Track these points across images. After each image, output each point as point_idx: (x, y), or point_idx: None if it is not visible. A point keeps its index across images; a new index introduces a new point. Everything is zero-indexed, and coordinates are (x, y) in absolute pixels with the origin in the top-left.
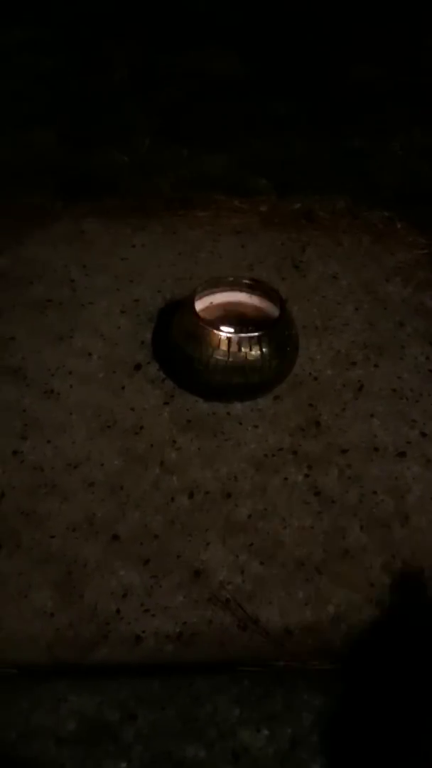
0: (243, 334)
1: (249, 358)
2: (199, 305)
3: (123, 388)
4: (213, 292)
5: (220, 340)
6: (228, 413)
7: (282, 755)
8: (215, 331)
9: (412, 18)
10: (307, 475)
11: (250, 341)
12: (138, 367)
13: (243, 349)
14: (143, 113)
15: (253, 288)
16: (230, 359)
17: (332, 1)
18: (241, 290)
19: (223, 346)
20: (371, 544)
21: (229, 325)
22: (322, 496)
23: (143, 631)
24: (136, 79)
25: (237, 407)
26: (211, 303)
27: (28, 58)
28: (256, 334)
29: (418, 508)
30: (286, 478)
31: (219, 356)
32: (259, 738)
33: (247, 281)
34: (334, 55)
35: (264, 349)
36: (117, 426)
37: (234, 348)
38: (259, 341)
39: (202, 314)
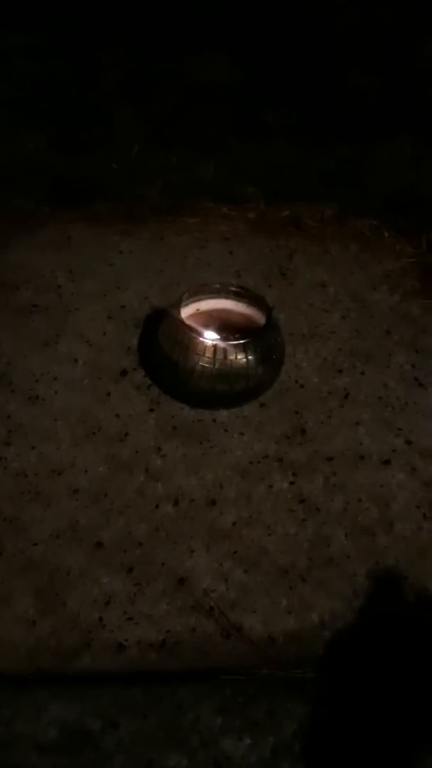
0: (229, 342)
1: (235, 365)
2: (186, 312)
3: (108, 394)
4: (199, 299)
5: (205, 347)
6: (214, 420)
7: (264, 763)
8: (201, 338)
9: (402, 28)
10: (292, 483)
11: (236, 348)
12: (124, 373)
13: (229, 357)
14: (133, 119)
15: (239, 295)
16: (216, 366)
17: (323, 11)
18: (227, 297)
19: (209, 353)
20: (355, 551)
21: (216, 332)
22: (306, 503)
23: (126, 639)
24: (127, 86)
25: (223, 414)
26: (198, 310)
27: (19, 63)
28: (242, 341)
29: (403, 516)
30: (271, 486)
31: (205, 363)
32: (241, 746)
33: (233, 288)
34: (324, 64)
35: (250, 357)
36: (102, 432)
37: (220, 355)
38: (245, 348)
39: (188, 321)
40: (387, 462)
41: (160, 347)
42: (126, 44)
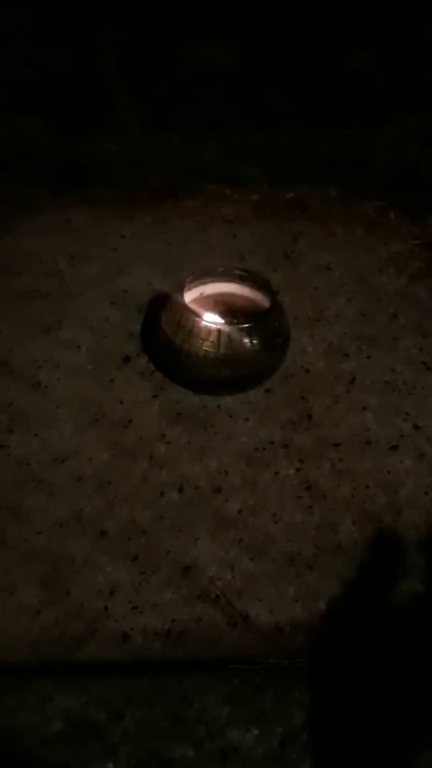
0: (233, 326)
1: (239, 350)
2: (189, 296)
3: (111, 380)
4: (203, 283)
5: (210, 331)
6: (218, 406)
7: (272, 754)
8: (205, 323)
9: (405, 7)
10: (298, 469)
11: (241, 333)
12: (127, 359)
13: (233, 341)
14: (133, 101)
15: (243, 278)
16: (220, 351)
17: None
18: (231, 281)
19: (213, 338)
20: (363, 538)
21: (220, 316)
22: (313, 490)
23: (131, 629)
24: (126, 67)
25: (227, 400)
26: (201, 294)
27: (17, 45)
28: (246, 325)
29: (411, 502)
30: (277, 473)
31: (209, 348)
32: (248, 737)
33: (237, 272)
34: (326, 44)
35: (254, 341)
36: (105, 419)
37: (224, 340)
38: (249, 333)
39: (191, 305)
40: (395, 447)
41: (164, 332)
42: (125, 26)
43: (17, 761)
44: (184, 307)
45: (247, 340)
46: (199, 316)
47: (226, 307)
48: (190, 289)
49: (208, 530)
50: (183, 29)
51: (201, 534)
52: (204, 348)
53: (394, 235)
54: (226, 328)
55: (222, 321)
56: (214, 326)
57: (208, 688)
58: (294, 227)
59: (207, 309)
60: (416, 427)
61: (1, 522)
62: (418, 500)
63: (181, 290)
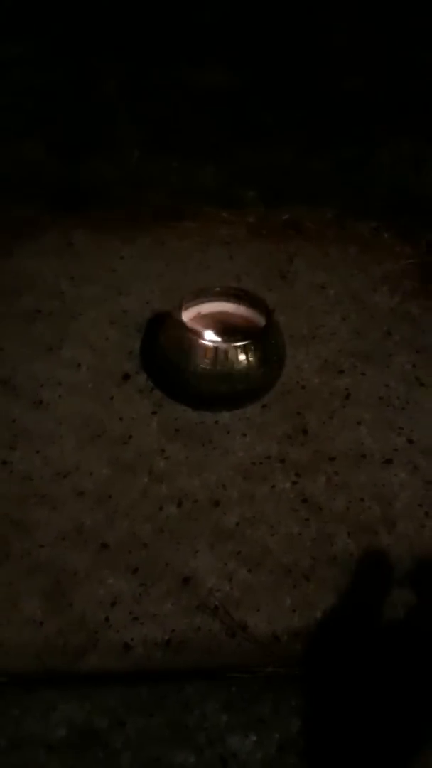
0: (230, 344)
1: (236, 366)
2: (187, 315)
3: (111, 398)
4: (200, 302)
5: (207, 349)
6: (216, 422)
7: (270, 760)
8: (202, 341)
9: (400, 30)
10: (294, 483)
11: (237, 350)
12: (126, 377)
13: (230, 358)
14: (133, 125)
15: (240, 298)
16: (217, 368)
17: (320, 14)
18: (228, 300)
19: (210, 355)
20: (358, 550)
21: (217, 334)
22: (309, 503)
23: (132, 639)
24: (126, 92)
25: (225, 416)
26: (199, 313)
27: (18, 72)
28: (243, 343)
29: (405, 515)
30: (273, 486)
31: (206, 365)
32: (247, 743)
33: (234, 291)
34: (322, 67)
35: (251, 358)
36: (106, 436)
37: (221, 357)
38: (245, 350)
39: (189, 324)
40: (389, 461)
41: (162, 351)
42: (124, 51)
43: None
44: (183, 326)
45: (243, 358)
46: (197, 334)
47: (223, 325)
48: (188, 309)
49: (207, 543)
50: (181, 54)
51: (200, 546)
52: (202, 365)
53: (388, 255)
54: (223, 346)
55: (219, 339)
56: (211, 344)
57: (207, 696)
58: (289, 248)
59: (205, 327)
60: (410, 441)
61: (5, 536)
62: (412, 512)
63: (179, 309)
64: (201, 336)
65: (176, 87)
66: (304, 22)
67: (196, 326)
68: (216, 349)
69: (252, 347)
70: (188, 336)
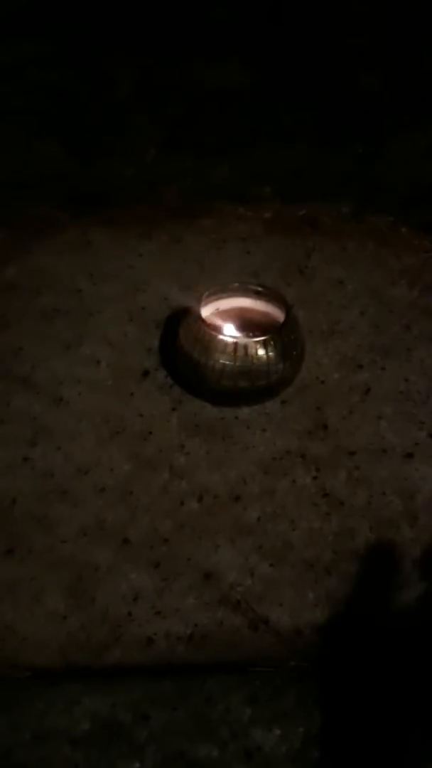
0: (249, 339)
1: (255, 362)
2: (205, 311)
3: (131, 394)
4: (219, 298)
5: (226, 345)
6: (236, 418)
7: (294, 754)
8: (221, 337)
9: (413, 24)
10: (315, 478)
11: (257, 345)
12: (146, 373)
13: (250, 354)
14: (148, 124)
15: (258, 293)
16: (237, 364)
17: (334, 10)
18: (246, 296)
19: (230, 351)
20: (380, 544)
21: (236, 330)
22: (330, 498)
23: (155, 633)
24: (141, 91)
25: (244, 411)
26: (217, 309)
27: (34, 72)
28: (262, 338)
29: (427, 509)
30: (294, 481)
31: (225, 361)
32: (271, 737)
33: (252, 287)
34: (336, 63)
35: (270, 353)
36: (126, 432)
37: (240, 352)
38: (265, 345)
39: (208, 320)
40: (410, 455)
41: (181, 347)
42: (138, 50)
43: (46, 762)
44: (201, 322)
45: (263, 353)
46: (216, 330)
47: (242, 321)
48: (206, 305)
49: (228, 538)
50: (195, 52)
51: (221, 541)
52: (221, 361)
53: (405, 249)
54: (242, 341)
55: (238, 335)
56: (230, 340)
57: (230, 690)
58: (307, 243)
59: (223, 323)
60: (431, 435)
61: (28, 531)
62: None
63: (197, 305)
64: (220, 331)
65: (191, 85)
66: (317, 19)
67: (215, 322)
68: (235, 344)
69: (271, 342)
70: (207, 332)
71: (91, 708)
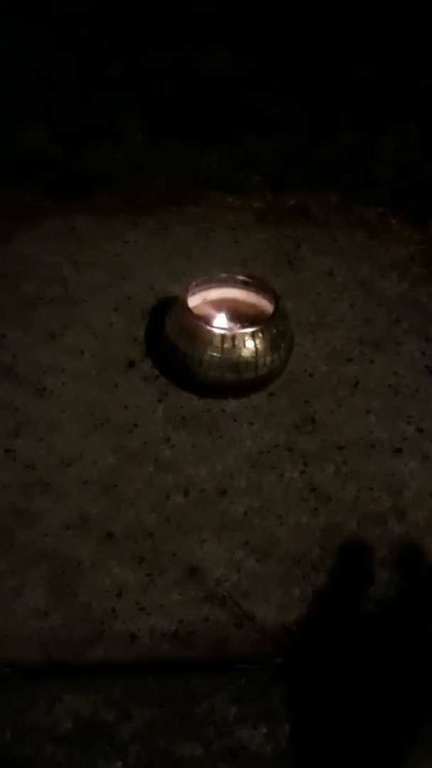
0: (237, 330)
1: (243, 354)
2: (193, 301)
3: (116, 385)
4: (206, 288)
5: (213, 336)
6: (222, 410)
7: (280, 752)
8: (209, 328)
9: (405, 15)
10: (303, 472)
11: (245, 337)
12: (131, 364)
13: (237, 346)
14: (136, 110)
15: (247, 284)
16: (224, 356)
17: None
18: (235, 286)
19: (217, 343)
20: (368, 540)
21: (223, 321)
22: (318, 492)
23: (138, 630)
24: (129, 76)
25: (232, 404)
26: (205, 299)
27: (20, 56)
28: (250, 330)
29: (415, 504)
30: (281, 475)
31: (213, 353)
32: (256, 736)
33: (241, 277)
34: (327, 52)
35: (258, 346)
36: (110, 424)
37: (228, 344)
38: (253, 337)
39: (195, 311)
40: (398, 450)
41: (168, 337)
42: (127, 35)
43: (27, 761)
44: (188, 312)
45: (251, 345)
46: (203, 320)
47: (230, 312)
48: (193, 295)
49: (214, 532)
50: (185, 39)
51: (207, 536)
52: (208, 352)
53: (395, 241)
54: (230, 333)
55: (226, 326)
56: (218, 331)
57: (215, 688)
58: (296, 234)
59: (211, 314)
60: (420, 430)
61: (9, 525)
62: (423, 502)
63: (184, 295)
64: (207, 322)
65: (180, 71)
66: (309, 7)
67: (203, 312)
68: (223, 335)
69: (260, 334)
70: (195, 322)
71: (73, 706)
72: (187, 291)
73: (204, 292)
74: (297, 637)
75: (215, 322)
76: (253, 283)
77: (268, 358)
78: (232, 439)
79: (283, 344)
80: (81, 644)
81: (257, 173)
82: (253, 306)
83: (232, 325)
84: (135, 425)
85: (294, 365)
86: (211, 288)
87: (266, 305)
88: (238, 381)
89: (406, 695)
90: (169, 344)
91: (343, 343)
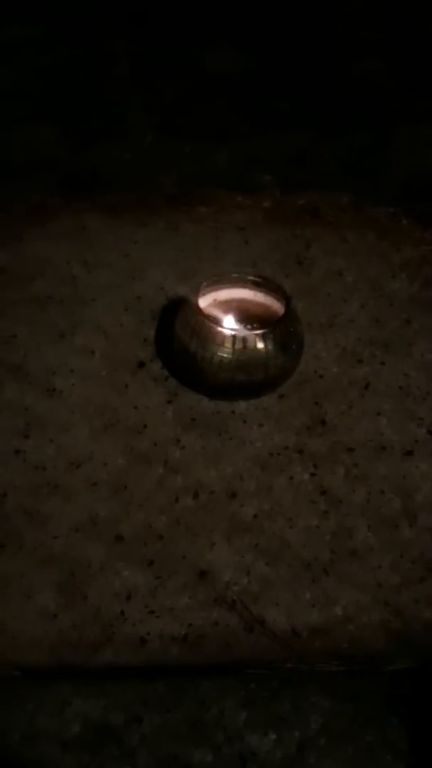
0: (247, 331)
1: (254, 355)
2: (203, 302)
3: (126, 386)
4: (217, 289)
5: (224, 337)
6: (232, 412)
7: (290, 759)
8: (219, 328)
9: (415, 9)
10: (313, 474)
11: (255, 338)
12: (141, 365)
13: (248, 346)
14: (145, 109)
15: (257, 284)
16: (235, 356)
17: None
18: (245, 287)
19: (227, 344)
20: (379, 543)
21: (234, 322)
22: (328, 495)
23: (148, 633)
24: (138, 75)
25: (241, 406)
26: (215, 299)
27: (29, 54)
28: (260, 331)
29: (427, 507)
30: (291, 478)
31: (223, 353)
32: (266, 742)
33: (251, 277)
34: (336, 49)
35: (269, 346)
36: (120, 425)
37: (239, 345)
38: (263, 338)
39: (205, 311)
40: (409, 452)
41: (178, 338)
42: (135, 34)
43: (35, 765)
44: (199, 313)
45: (261, 346)
46: (213, 321)
47: (240, 312)
48: (204, 295)
49: (224, 535)
50: (193, 38)
51: (216, 539)
52: (218, 353)
53: (406, 241)
54: (240, 334)
55: (236, 326)
56: (228, 332)
57: (225, 693)
58: (306, 234)
59: (221, 314)
60: (431, 432)
61: (18, 526)
62: None
63: (195, 296)
64: (218, 323)
65: (189, 70)
66: (318, 4)
67: (213, 313)
68: (233, 336)
69: (270, 335)
70: (205, 323)
71: (82, 709)
72: (197, 291)
73: (214, 293)
74: (307, 642)
75: (225, 323)
76: (263, 284)
77: (279, 359)
78: (242, 440)
79: (293, 345)
80: (90, 647)
81: (267, 173)
82: (264, 306)
83: (242, 325)
84: (145, 426)
85: (304, 366)
86: (221, 288)
87: (277, 306)
88: (248, 382)
89: (419, 700)
90: (179, 345)
91: (353, 344)
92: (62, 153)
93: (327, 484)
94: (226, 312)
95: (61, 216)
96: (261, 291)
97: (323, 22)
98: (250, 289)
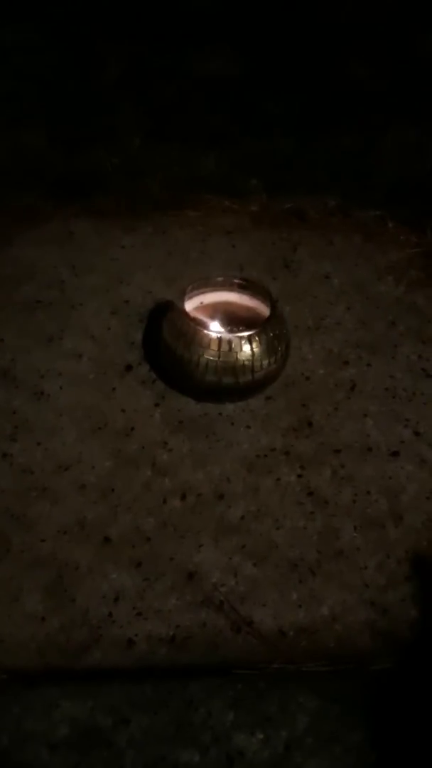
0: (233, 334)
1: (240, 357)
2: (189, 305)
3: (113, 389)
4: (203, 292)
5: (210, 340)
6: (219, 414)
7: (277, 758)
8: (205, 331)
9: (402, 16)
10: (300, 476)
11: (241, 341)
12: (129, 368)
13: (234, 349)
14: (133, 113)
15: (243, 287)
16: (221, 359)
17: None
18: (231, 290)
19: (214, 346)
20: (365, 544)
21: (220, 324)
22: (315, 496)
23: (136, 635)
24: (127, 79)
25: (229, 408)
26: (202, 303)
27: (18, 58)
28: (246, 333)
29: (412, 508)
30: (278, 479)
31: (209, 356)
32: (253, 742)
33: (237, 281)
34: (325, 53)
35: (255, 349)
36: (108, 428)
37: (225, 348)
38: (249, 341)
39: (192, 314)
40: (395, 453)
41: (165, 341)
42: (124, 37)
43: (24, 766)
44: (185, 316)
45: (248, 348)
46: (200, 324)
47: (226, 315)
48: (190, 298)
49: (211, 537)
50: (182, 41)
51: (204, 540)
52: (205, 356)
53: (392, 244)
54: (226, 337)
55: (223, 329)
56: (214, 334)
57: (213, 693)
58: (293, 237)
59: (208, 318)
60: (417, 434)
61: (5, 529)
62: (420, 506)
63: (181, 299)
64: (204, 326)
65: (177, 74)
66: (306, 8)
67: (199, 316)
68: (220, 339)
69: (256, 338)
70: (191, 326)
71: (69, 712)
72: (184, 295)
73: (201, 296)
74: (294, 642)
75: (212, 326)
76: (249, 287)
77: (265, 362)
78: (229, 442)
79: (279, 348)
80: (78, 649)
81: (254, 177)
82: (250, 309)
83: (228, 328)
84: (132, 429)
85: (291, 369)
86: (207, 292)
87: (263, 309)
88: (235, 385)
89: (406, 699)
90: (166, 348)
91: (340, 346)
92: (51, 157)
93: (314, 485)
94: (213, 315)
95: (50, 220)
96: (247, 294)
97: (312, 26)
98: (236, 292)
